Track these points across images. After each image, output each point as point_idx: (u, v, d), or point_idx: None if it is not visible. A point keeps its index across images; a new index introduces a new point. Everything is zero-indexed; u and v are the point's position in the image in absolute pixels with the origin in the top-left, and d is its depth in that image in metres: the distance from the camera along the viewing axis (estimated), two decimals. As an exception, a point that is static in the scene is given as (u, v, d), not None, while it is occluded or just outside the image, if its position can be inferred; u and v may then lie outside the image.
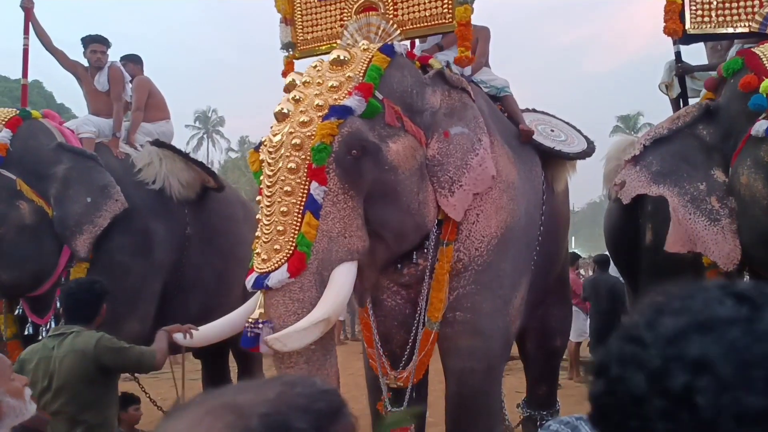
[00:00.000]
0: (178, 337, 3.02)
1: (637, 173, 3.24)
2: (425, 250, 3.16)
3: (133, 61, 5.31)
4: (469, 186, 3.10)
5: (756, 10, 3.44)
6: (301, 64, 3.82)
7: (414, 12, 3.60)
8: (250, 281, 2.70)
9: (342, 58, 3.00)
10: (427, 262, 3.16)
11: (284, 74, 3.73)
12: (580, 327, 8.11)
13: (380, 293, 3.38)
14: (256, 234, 2.80)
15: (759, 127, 2.89)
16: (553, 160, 3.97)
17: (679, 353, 0.52)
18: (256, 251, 2.75)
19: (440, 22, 3.58)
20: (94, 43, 4.92)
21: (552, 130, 4.18)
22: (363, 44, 3.17)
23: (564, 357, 8.30)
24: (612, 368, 0.56)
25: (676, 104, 4.13)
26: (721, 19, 3.49)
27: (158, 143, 4.75)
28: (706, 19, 3.51)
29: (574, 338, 8.06)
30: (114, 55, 5.10)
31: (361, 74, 2.95)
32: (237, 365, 5.59)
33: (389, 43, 3.24)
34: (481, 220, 3.21)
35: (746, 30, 3.47)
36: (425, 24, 3.58)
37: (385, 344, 3.36)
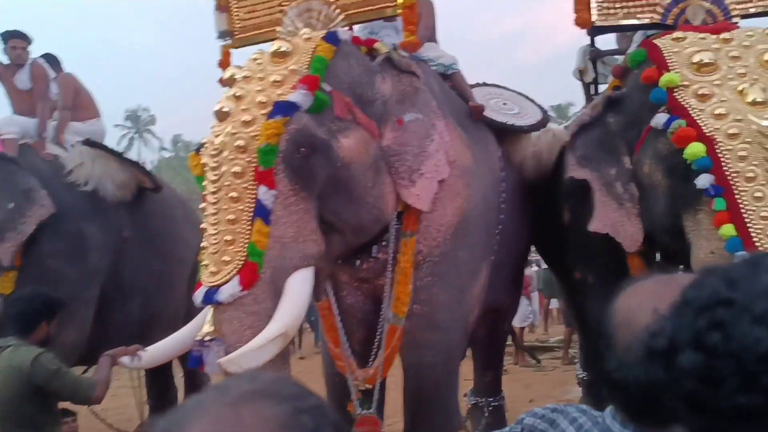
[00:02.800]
0: (125, 361, 2.79)
1: (569, 157, 3.41)
2: (384, 243, 3.04)
3: (52, 62, 5.05)
4: (431, 173, 2.97)
5: (658, 1, 3.53)
6: (240, 54, 3.62)
7: None
8: (198, 296, 2.51)
9: (284, 49, 2.84)
10: (388, 256, 3.04)
11: (221, 65, 3.53)
12: (524, 312, 8.30)
13: (339, 290, 3.26)
14: (203, 244, 2.62)
15: (659, 119, 3.01)
16: (507, 135, 3.90)
17: None
18: (204, 263, 2.57)
19: (384, 5, 3.41)
20: (14, 39, 4.66)
21: (504, 104, 4.12)
22: (305, 33, 3.00)
23: (509, 342, 8.52)
24: (707, 337, 0.52)
25: (588, 89, 4.31)
26: (626, 11, 3.58)
27: (90, 143, 4.54)
28: (612, 11, 3.59)
29: (518, 324, 8.25)
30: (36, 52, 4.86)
31: (306, 66, 2.78)
32: (183, 370, 5.43)
33: (332, 30, 3.09)
34: (437, 209, 3.08)
35: (649, 21, 3.57)
36: (368, 8, 3.40)
37: (348, 343, 3.23)
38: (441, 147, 3.04)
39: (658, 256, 3.36)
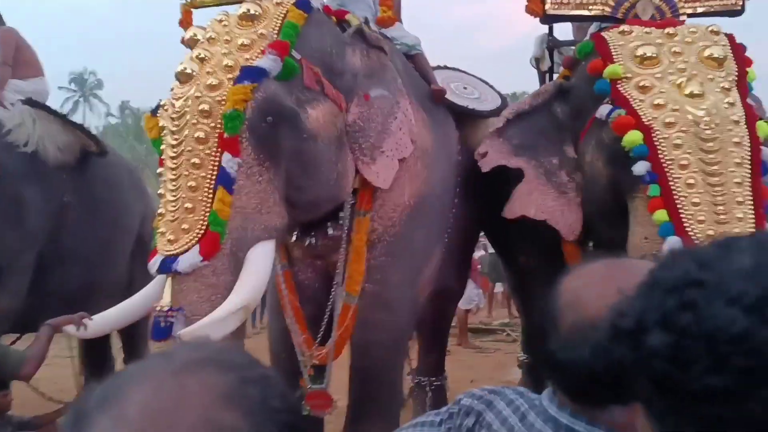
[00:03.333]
0: (70, 329, 2.66)
1: (499, 144, 3.42)
2: (340, 221, 3.01)
3: None
4: (392, 152, 2.95)
5: None
6: (200, 15, 3.49)
7: None
8: (154, 264, 2.42)
9: (252, 12, 2.72)
10: (342, 233, 3.01)
11: (181, 24, 3.35)
12: (470, 295, 8.43)
13: (292, 267, 3.22)
14: (159, 211, 2.51)
15: (602, 110, 3.09)
16: (466, 119, 3.91)
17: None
18: (160, 230, 2.46)
19: None
20: None
21: (465, 88, 4.12)
22: None
23: (453, 324, 8.65)
24: (677, 318, 0.51)
25: (544, 77, 4.38)
26: (578, 1, 3.64)
27: (31, 102, 4.31)
28: (565, 1, 3.66)
29: (464, 305, 8.38)
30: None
31: (276, 31, 2.68)
32: (121, 340, 5.30)
33: None
34: (395, 189, 3.07)
35: (600, 13, 3.66)
36: None
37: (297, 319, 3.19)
38: (403, 125, 3.02)
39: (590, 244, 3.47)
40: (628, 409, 0.61)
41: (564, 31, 4.52)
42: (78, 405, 0.56)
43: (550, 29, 4.03)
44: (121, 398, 0.53)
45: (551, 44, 4.09)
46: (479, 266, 10.18)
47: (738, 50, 3.19)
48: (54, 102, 4.95)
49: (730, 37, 3.24)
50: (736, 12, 3.63)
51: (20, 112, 4.21)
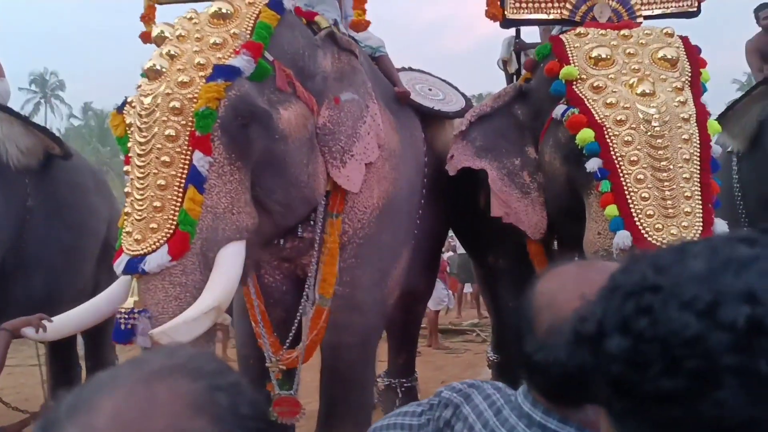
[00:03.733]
0: (29, 332, 2.53)
1: (463, 147, 3.50)
2: (311, 223, 3.00)
3: None
4: (360, 156, 2.97)
5: None
6: (163, 12, 3.40)
7: None
8: (120, 265, 2.36)
9: (224, 11, 2.71)
10: (314, 235, 3.00)
11: (143, 19, 3.36)
12: (439, 296, 8.47)
13: (258, 269, 3.19)
14: (125, 210, 2.46)
15: (558, 110, 3.17)
16: (432, 121, 3.94)
17: (724, 289, 0.50)
18: (126, 230, 2.41)
19: None
20: None
21: (430, 89, 4.16)
22: None
23: (423, 325, 8.68)
24: (634, 322, 0.52)
25: (511, 79, 4.46)
26: (536, 5, 3.72)
27: (-9, 104, 4.24)
28: (524, 5, 3.73)
29: (433, 306, 8.41)
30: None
31: (249, 31, 2.67)
32: (84, 346, 5.20)
33: None
34: (364, 191, 3.09)
35: (558, 17, 3.74)
36: None
37: (264, 323, 3.16)
38: (372, 129, 3.05)
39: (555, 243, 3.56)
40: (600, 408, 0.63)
41: (531, 34, 4.60)
42: (48, 413, 0.55)
43: (517, 32, 4.09)
44: (90, 407, 0.53)
45: (518, 47, 4.17)
46: (448, 267, 10.25)
47: (692, 51, 3.27)
48: (15, 103, 4.84)
49: (684, 39, 3.32)
50: (691, 14, 3.73)
51: (-20, 114, 4.11)
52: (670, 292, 0.52)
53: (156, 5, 3.43)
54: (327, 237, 3.02)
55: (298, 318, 3.10)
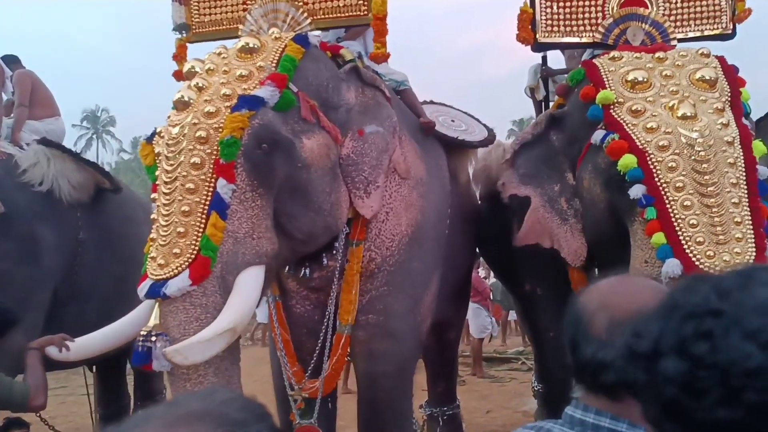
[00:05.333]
0: (52, 351, 2.61)
1: (510, 175, 3.53)
2: (334, 251, 3.04)
3: (12, 62, 4.92)
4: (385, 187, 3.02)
5: (599, 21, 3.68)
6: (195, 50, 3.56)
7: (326, 1, 3.41)
8: (143, 289, 2.43)
9: (252, 45, 2.82)
10: (337, 263, 3.04)
11: (175, 58, 3.50)
12: (483, 323, 8.35)
13: (288, 299, 3.23)
14: (151, 236, 2.54)
15: (596, 136, 3.13)
16: (454, 151, 3.97)
17: None
18: (151, 255, 2.49)
19: (354, 14, 3.44)
20: None
21: (452, 120, 4.21)
22: (274, 32, 3.00)
23: (467, 353, 8.56)
24: (693, 346, 0.51)
25: (539, 107, 4.47)
26: (568, 29, 3.71)
27: (45, 142, 4.41)
28: (555, 28, 3.72)
29: (477, 334, 8.30)
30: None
31: (274, 64, 2.77)
32: (134, 376, 5.30)
33: (304, 33, 3.09)
34: (390, 219, 3.12)
35: (590, 40, 3.71)
36: (338, 15, 3.41)
37: (297, 353, 3.21)
38: (398, 162, 3.09)
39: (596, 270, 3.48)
40: None
41: (557, 61, 4.59)
42: None
43: (544, 59, 4.09)
44: None
45: (545, 73, 4.17)
46: (491, 294, 10.12)
47: (730, 71, 3.21)
48: (68, 140, 5.05)
49: (721, 59, 3.26)
50: (726, 36, 3.67)
51: (35, 152, 4.30)
52: (733, 318, 0.51)
53: (187, 44, 3.56)
54: (347, 265, 3.06)
55: (319, 346, 3.12)
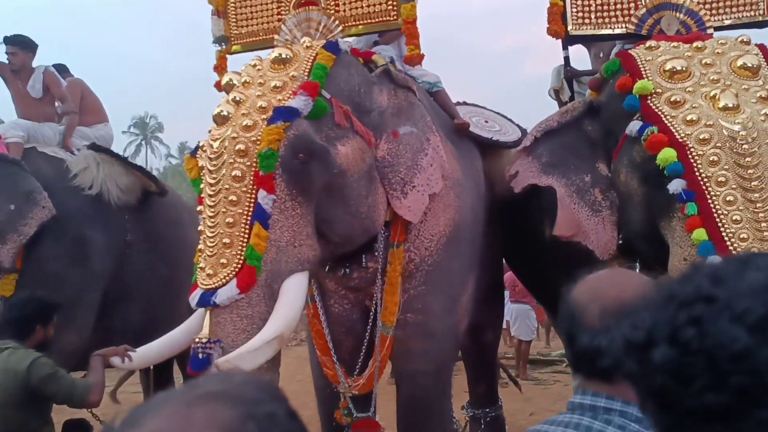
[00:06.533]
0: (116, 361, 2.82)
1: (528, 163, 3.33)
2: (375, 253, 3.07)
3: (61, 71, 5.11)
4: (423, 187, 3.03)
5: (632, 12, 3.54)
6: (234, 60, 3.62)
7: (357, 8, 3.43)
8: (194, 299, 2.54)
9: (284, 56, 2.89)
10: (377, 265, 3.07)
11: (216, 69, 3.58)
12: (531, 325, 8.23)
13: (327, 299, 3.28)
14: (199, 247, 2.65)
15: (632, 126, 3.01)
16: (489, 152, 3.95)
17: None
18: (200, 266, 2.59)
19: (384, 19, 3.44)
20: (10, 45, 4.64)
21: (486, 122, 4.19)
22: (305, 41, 3.04)
23: (510, 355, 8.45)
24: (682, 333, 0.51)
25: None
26: (600, 21, 3.58)
27: (95, 147, 4.56)
28: (587, 20, 3.60)
29: (525, 337, 8.17)
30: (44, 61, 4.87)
31: (306, 73, 2.82)
32: (182, 375, 5.43)
33: (335, 40, 3.13)
34: (429, 219, 3.14)
35: (623, 31, 3.58)
36: (368, 21, 3.44)
37: (336, 351, 3.25)
38: (434, 161, 3.09)
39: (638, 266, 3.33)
40: None
41: (581, 61, 4.47)
42: (107, 426, 0.61)
43: (567, 59, 3.95)
44: (138, 423, 0.58)
45: (569, 74, 4.00)
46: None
47: None
48: (118, 146, 5.22)
49: (762, 47, 3.14)
50: (763, 23, 3.51)
51: (85, 157, 4.44)
52: (724, 304, 0.50)
53: (227, 56, 3.64)
54: (389, 267, 3.08)
55: (366, 346, 3.17)
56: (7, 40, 4.67)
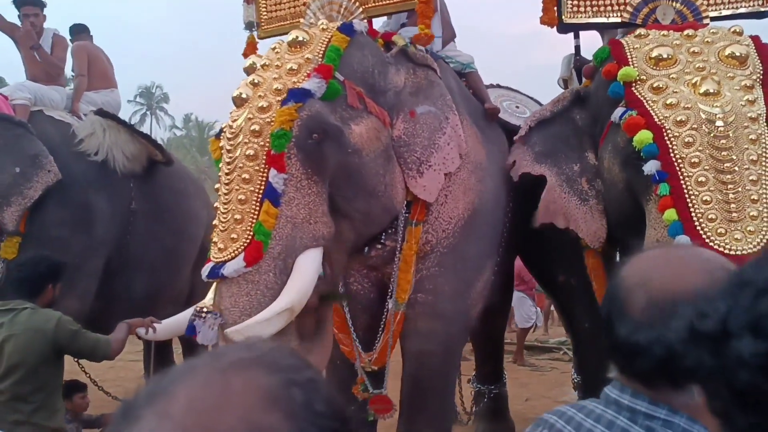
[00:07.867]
0: (140, 331, 2.94)
1: (523, 152, 3.40)
2: (392, 231, 3.10)
3: (81, 32, 5.07)
4: (439, 166, 3.05)
5: (628, 1, 3.50)
6: (264, 45, 3.69)
7: None
8: (205, 271, 2.61)
9: (300, 39, 2.93)
10: (395, 244, 3.10)
11: (245, 54, 3.61)
12: (528, 313, 8.23)
13: (347, 277, 3.32)
14: (214, 223, 2.72)
15: (616, 113, 3.03)
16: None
17: None
18: (213, 240, 2.66)
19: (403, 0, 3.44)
20: (26, 6, 4.62)
21: (517, 107, 4.18)
22: (322, 24, 3.08)
23: (510, 341, 8.48)
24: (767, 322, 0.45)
25: None
26: (595, 9, 3.55)
27: (102, 113, 4.51)
28: (581, 9, 3.56)
29: (522, 324, 8.19)
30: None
31: (320, 55, 2.86)
32: (181, 347, 5.44)
33: (349, 21, 3.14)
34: (449, 201, 3.17)
35: (618, 20, 3.54)
36: (387, 1, 3.44)
37: (352, 328, 3.30)
38: (452, 140, 3.11)
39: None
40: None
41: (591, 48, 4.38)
42: (128, 399, 0.58)
43: (577, 48, 3.91)
44: (168, 394, 0.54)
45: (579, 63, 3.95)
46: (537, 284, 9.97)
47: (763, 49, 3.06)
48: (123, 115, 5.18)
49: (755, 38, 3.13)
50: (763, 14, 3.47)
51: (92, 122, 4.41)
52: None
53: (257, 41, 3.71)
54: (405, 244, 3.12)
55: (383, 324, 3.21)
56: (21, 2, 4.62)
